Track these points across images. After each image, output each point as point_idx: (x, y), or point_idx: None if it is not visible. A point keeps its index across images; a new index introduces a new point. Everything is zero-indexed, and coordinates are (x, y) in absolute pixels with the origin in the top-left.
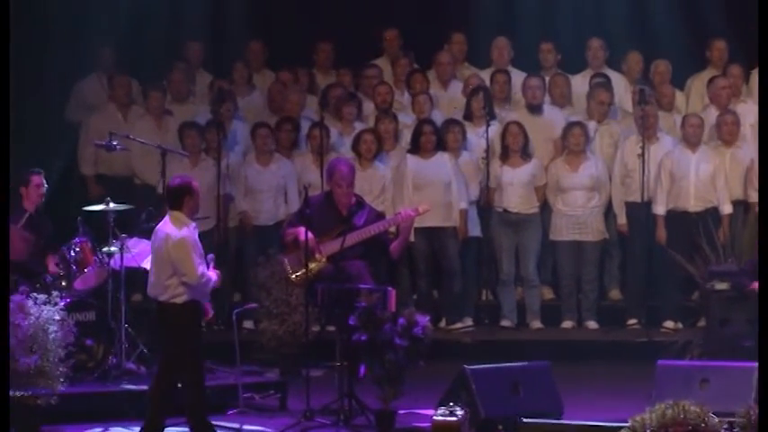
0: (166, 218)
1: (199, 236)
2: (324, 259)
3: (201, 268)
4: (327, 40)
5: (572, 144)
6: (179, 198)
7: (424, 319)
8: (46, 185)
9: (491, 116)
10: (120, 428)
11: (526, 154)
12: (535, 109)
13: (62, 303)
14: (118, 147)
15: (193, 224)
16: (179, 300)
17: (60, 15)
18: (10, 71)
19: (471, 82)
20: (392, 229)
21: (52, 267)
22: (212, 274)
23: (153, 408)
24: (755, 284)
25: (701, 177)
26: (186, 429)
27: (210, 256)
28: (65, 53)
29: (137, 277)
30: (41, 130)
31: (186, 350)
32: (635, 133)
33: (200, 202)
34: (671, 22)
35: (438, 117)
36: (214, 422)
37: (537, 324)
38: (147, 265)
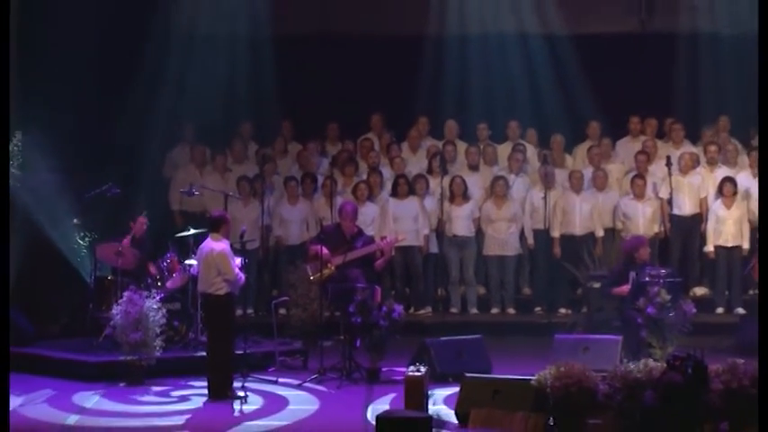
0: (208, 238)
1: (248, 252)
2: (333, 268)
3: (237, 270)
4: (335, 121)
5: (498, 190)
6: (218, 224)
7: (399, 308)
8: (147, 223)
9: (444, 172)
10: (196, 380)
11: (466, 197)
12: (473, 167)
13: (158, 297)
14: (195, 193)
15: (227, 241)
16: (221, 292)
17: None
18: (9, 75)
19: (431, 149)
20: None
21: (153, 270)
22: (242, 275)
23: (210, 370)
24: (615, 289)
25: (582, 213)
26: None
27: (241, 259)
28: (153, 128)
29: None
30: (148, 181)
31: (225, 327)
32: (539, 183)
33: (249, 229)
34: (563, 108)
35: (409, 173)
36: (259, 376)
37: (474, 311)
38: None
